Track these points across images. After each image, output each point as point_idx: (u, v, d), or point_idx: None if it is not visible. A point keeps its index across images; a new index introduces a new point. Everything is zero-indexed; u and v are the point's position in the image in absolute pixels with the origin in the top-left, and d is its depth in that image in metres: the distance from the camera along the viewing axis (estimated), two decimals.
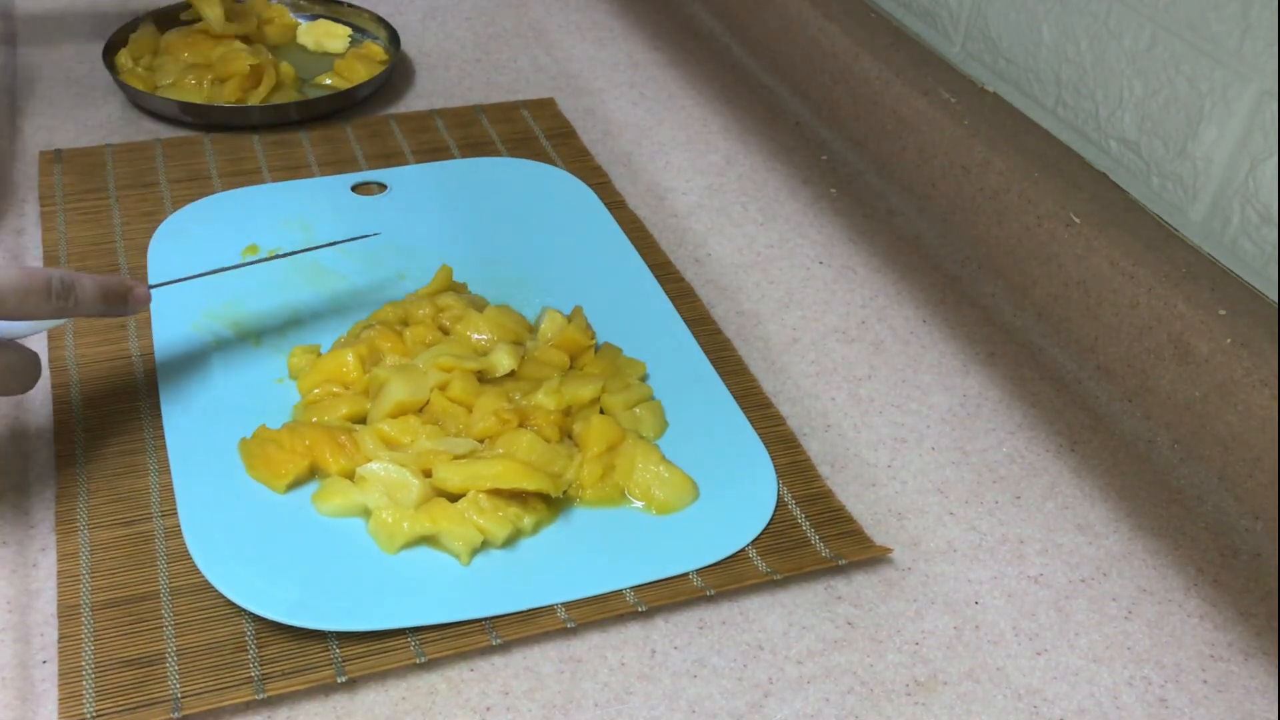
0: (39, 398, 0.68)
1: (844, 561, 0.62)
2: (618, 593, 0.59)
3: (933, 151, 0.87)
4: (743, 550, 0.62)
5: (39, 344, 0.71)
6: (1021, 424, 0.72)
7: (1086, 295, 0.75)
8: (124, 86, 0.94)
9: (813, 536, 0.63)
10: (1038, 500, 0.67)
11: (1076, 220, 0.75)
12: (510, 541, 0.61)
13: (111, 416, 0.67)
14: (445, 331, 0.72)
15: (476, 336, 0.71)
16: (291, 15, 1.07)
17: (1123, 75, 0.76)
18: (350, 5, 1.09)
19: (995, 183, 0.81)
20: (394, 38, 1.04)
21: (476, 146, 0.94)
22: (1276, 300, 0.68)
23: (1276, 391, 0.63)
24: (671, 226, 0.88)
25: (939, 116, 0.86)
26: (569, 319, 0.73)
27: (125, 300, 0.64)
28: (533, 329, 0.73)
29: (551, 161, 0.93)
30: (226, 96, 0.93)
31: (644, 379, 0.71)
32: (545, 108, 1.00)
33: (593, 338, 0.73)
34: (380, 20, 1.06)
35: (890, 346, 0.78)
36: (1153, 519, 0.67)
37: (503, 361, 0.68)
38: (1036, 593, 0.62)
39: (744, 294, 0.82)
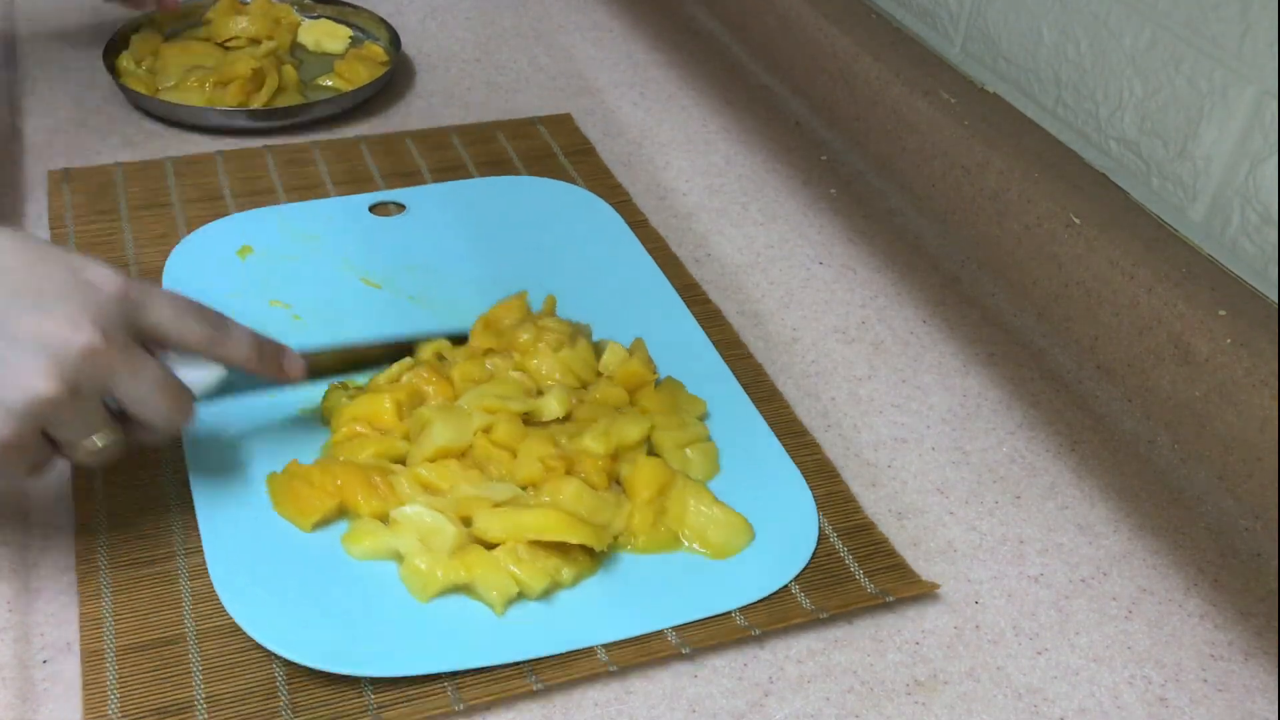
0: None
1: (891, 598, 0.60)
2: (659, 633, 0.57)
3: (933, 151, 0.87)
4: (785, 587, 0.60)
5: None
6: (1021, 424, 0.72)
7: (1086, 295, 0.75)
8: (125, 89, 0.94)
9: (856, 571, 0.61)
10: (1038, 500, 0.67)
11: (1076, 220, 0.75)
12: (547, 594, 0.58)
13: (131, 452, 0.63)
14: (520, 367, 0.68)
15: (542, 374, 0.68)
16: (296, 14, 1.07)
17: (1123, 75, 0.76)
18: (350, 5, 1.09)
19: (995, 183, 0.81)
20: (394, 39, 1.04)
21: (494, 164, 0.92)
22: (1276, 300, 0.68)
23: (1276, 391, 0.63)
24: (672, 227, 0.88)
25: (939, 116, 0.86)
26: (630, 352, 0.70)
27: (279, 359, 0.60)
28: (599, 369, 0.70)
29: (570, 179, 0.91)
30: (228, 100, 0.93)
31: (703, 418, 0.68)
32: (563, 124, 0.98)
33: (654, 371, 0.70)
34: (381, 20, 1.06)
35: (890, 346, 0.78)
36: (1153, 519, 0.67)
37: (551, 406, 0.65)
38: (1036, 592, 0.62)
39: (744, 294, 0.82)
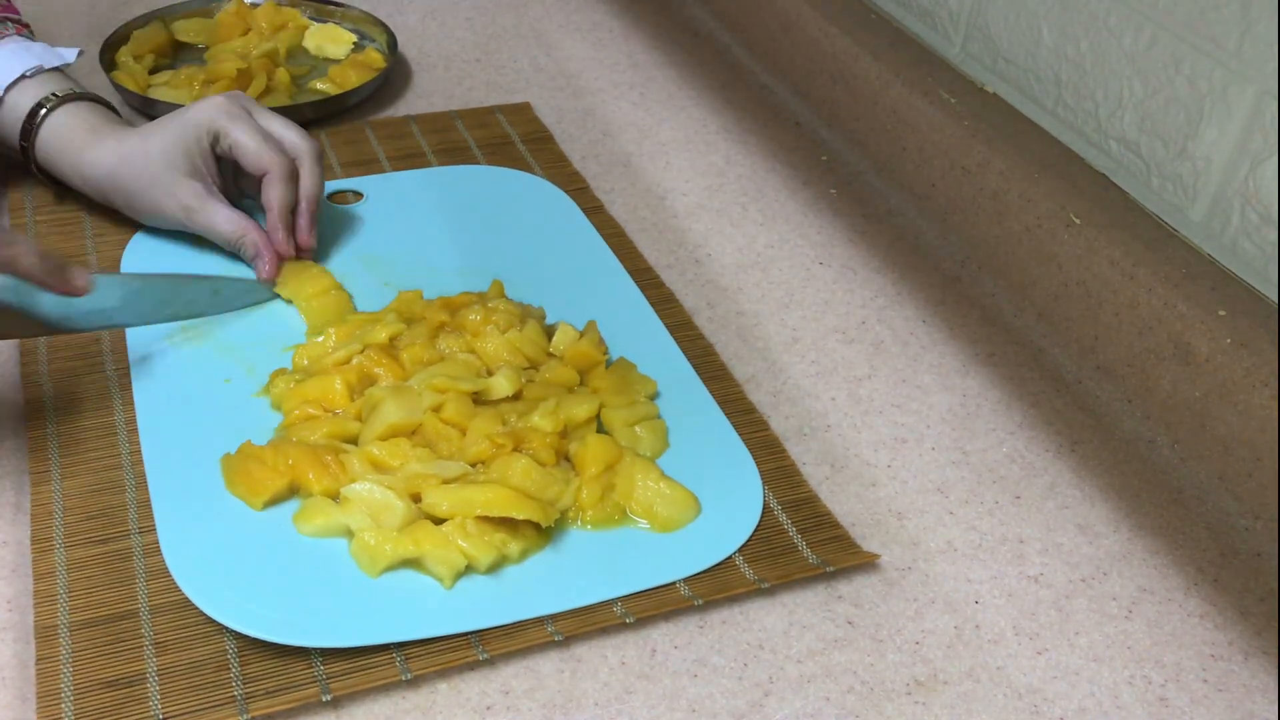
0: (12, 413, 0.68)
1: (832, 569, 0.61)
2: (605, 604, 0.59)
3: (933, 151, 0.87)
4: (730, 558, 0.61)
5: (13, 359, 0.71)
6: (1021, 424, 0.72)
7: (1086, 295, 0.75)
8: (117, 86, 0.94)
9: (799, 543, 0.63)
10: (1038, 500, 0.67)
11: (1076, 220, 0.75)
12: (495, 568, 0.59)
13: (86, 432, 0.66)
14: (470, 348, 0.70)
15: (488, 355, 0.69)
16: (304, 17, 1.07)
17: (1123, 75, 0.76)
18: (351, 9, 1.08)
19: (995, 183, 0.81)
20: (392, 41, 1.04)
21: (453, 153, 0.93)
22: (1276, 300, 0.68)
23: (1276, 391, 0.63)
24: (671, 227, 0.88)
25: (939, 116, 0.86)
26: (582, 333, 0.72)
27: (64, 273, 0.63)
28: (550, 350, 0.72)
29: (528, 167, 0.92)
30: None
31: (653, 397, 0.70)
32: (521, 112, 0.99)
33: (605, 352, 0.72)
34: (379, 23, 1.06)
35: (890, 346, 0.78)
36: (1153, 519, 0.67)
37: (500, 385, 0.67)
38: (1036, 592, 0.62)
39: (744, 294, 0.82)
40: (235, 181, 0.80)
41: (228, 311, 0.75)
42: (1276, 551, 0.64)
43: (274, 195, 0.75)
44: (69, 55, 0.83)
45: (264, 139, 0.76)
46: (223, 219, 0.76)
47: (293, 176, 0.76)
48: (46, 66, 0.81)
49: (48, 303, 0.66)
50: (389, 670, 0.55)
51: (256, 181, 0.78)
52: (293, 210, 0.77)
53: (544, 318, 0.75)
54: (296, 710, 0.54)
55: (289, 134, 0.78)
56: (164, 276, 0.74)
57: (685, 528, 0.63)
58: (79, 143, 0.78)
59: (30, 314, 0.66)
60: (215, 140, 0.76)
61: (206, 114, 0.76)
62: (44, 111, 0.78)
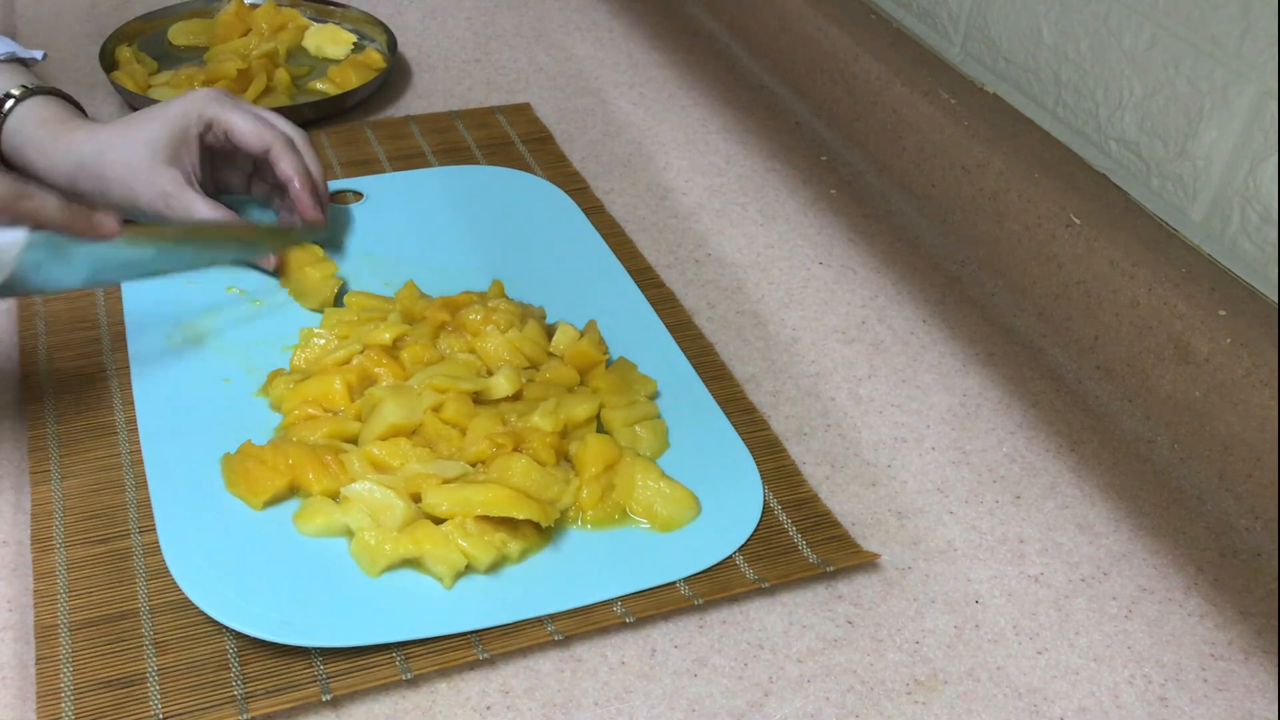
0: (12, 413, 0.68)
1: (832, 568, 0.61)
2: (605, 604, 0.59)
3: (933, 151, 0.87)
4: (730, 558, 0.61)
5: (12, 359, 0.71)
6: (1021, 424, 0.72)
7: (1086, 295, 0.75)
8: (117, 86, 0.94)
9: (800, 543, 0.63)
10: (1038, 500, 0.67)
11: (1076, 220, 0.75)
12: (494, 567, 0.59)
13: (86, 432, 0.66)
14: (470, 348, 0.70)
15: (489, 355, 0.69)
16: (303, 17, 1.07)
17: (1123, 75, 0.76)
18: (351, 9, 1.08)
19: (995, 183, 0.81)
20: (392, 42, 1.04)
21: (453, 153, 0.93)
22: (1276, 300, 0.68)
23: (1276, 391, 0.63)
24: (671, 227, 0.88)
25: (939, 116, 0.86)
26: (582, 333, 0.72)
27: (88, 218, 0.63)
28: (550, 349, 0.72)
29: (528, 167, 0.92)
30: None
31: (653, 397, 0.70)
32: (521, 112, 0.99)
33: (605, 352, 0.72)
34: (379, 23, 1.06)
35: (890, 346, 0.78)
36: (1153, 519, 0.67)
37: (500, 385, 0.67)
38: (1036, 592, 0.62)
39: (744, 294, 0.82)
40: (214, 177, 0.81)
41: (260, 255, 0.76)
42: (1276, 551, 0.64)
43: (289, 165, 0.77)
44: (36, 54, 0.84)
45: (258, 119, 0.77)
46: (202, 207, 0.76)
47: (294, 148, 0.77)
48: (19, 55, 0.82)
49: (80, 259, 0.65)
50: (389, 670, 0.55)
51: (241, 174, 0.79)
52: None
53: (544, 317, 0.75)
54: (296, 710, 0.54)
55: (277, 119, 0.79)
56: (198, 225, 0.74)
57: (685, 527, 0.63)
58: (50, 132, 0.78)
59: (66, 266, 0.65)
60: (205, 128, 0.77)
61: (196, 103, 0.77)
62: (12, 103, 0.79)
